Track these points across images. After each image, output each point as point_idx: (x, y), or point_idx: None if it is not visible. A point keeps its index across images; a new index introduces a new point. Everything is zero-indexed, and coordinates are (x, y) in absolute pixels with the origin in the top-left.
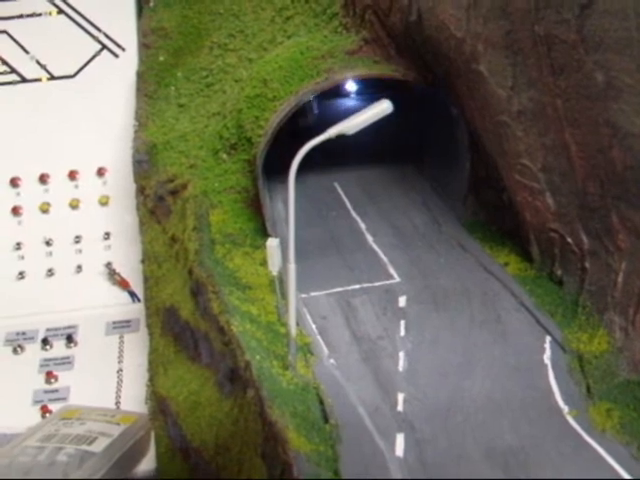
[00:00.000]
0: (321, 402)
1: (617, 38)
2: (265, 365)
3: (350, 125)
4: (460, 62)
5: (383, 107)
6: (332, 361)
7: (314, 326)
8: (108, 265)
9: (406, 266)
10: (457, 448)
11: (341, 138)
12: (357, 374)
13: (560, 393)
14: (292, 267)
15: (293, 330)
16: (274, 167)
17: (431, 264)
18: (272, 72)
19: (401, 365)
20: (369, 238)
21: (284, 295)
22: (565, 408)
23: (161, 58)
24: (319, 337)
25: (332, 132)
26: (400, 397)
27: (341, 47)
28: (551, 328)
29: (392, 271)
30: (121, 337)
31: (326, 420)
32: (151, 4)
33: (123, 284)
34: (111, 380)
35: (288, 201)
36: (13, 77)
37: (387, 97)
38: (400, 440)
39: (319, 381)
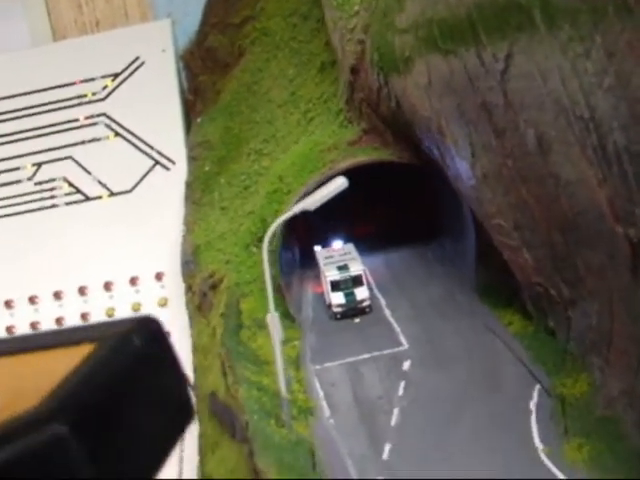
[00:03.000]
0: (312, 454)
1: (533, 96)
2: (262, 424)
3: (310, 202)
4: (433, 139)
5: (338, 183)
6: (332, 421)
7: (321, 393)
8: None
9: (416, 334)
10: None
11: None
12: (351, 431)
13: (538, 434)
14: (275, 317)
15: (283, 389)
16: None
17: (441, 331)
18: (286, 169)
19: (393, 420)
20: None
21: (299, 367)
22: (540, 446)
23: (206, 168)
24: (324, 402)
25: (296, 209)
26: (387, 447)
27: (344, 139)
28: (541, 377)
29: (402, 339)
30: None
31: (314, 468)
32: (199, 120)
33: None
34: None
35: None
36: (78, 197)
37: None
38: None
39: (315, 438)
